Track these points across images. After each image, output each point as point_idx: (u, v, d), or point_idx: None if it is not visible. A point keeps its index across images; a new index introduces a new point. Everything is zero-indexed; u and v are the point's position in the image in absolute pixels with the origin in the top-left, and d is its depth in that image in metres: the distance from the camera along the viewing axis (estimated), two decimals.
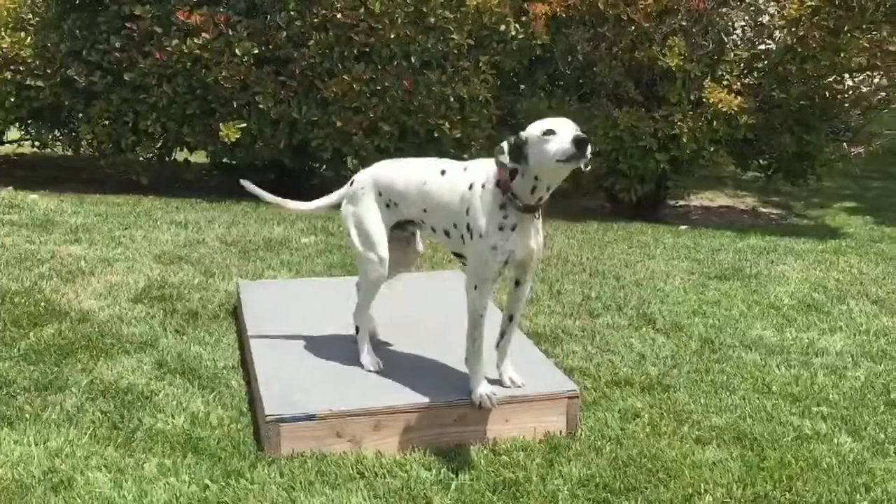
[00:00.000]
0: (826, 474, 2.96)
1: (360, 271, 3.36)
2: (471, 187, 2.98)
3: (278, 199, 3.60)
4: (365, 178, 3.32)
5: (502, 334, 3.21)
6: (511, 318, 3.19)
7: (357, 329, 3.41)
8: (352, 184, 3.36)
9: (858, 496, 2.84)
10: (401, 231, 3.35)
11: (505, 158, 2.79)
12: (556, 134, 2.72)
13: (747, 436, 3.22)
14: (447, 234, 3.11)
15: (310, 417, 2.98)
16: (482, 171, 2.98)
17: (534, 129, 2.78)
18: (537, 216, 2.96)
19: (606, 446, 3.11)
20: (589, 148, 2.68)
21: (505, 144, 2.82)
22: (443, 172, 3.12)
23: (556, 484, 2.84)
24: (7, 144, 8.40)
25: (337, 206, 3.46)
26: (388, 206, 3.25)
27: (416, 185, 3.16)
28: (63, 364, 3.59)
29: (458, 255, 3.19)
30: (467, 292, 3.04)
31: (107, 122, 7.07)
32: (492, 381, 3.17)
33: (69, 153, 7.93)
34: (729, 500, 2.80)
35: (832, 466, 3.02)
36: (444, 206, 3.07)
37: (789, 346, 4.19)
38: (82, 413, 3.19)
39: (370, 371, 3.32)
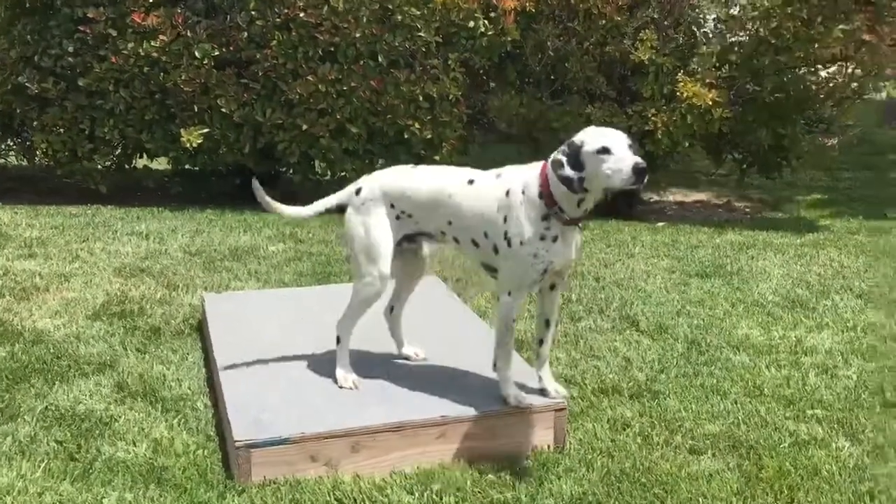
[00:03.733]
0: (828, 483, 2.83)
1: (355, 284, 3.14)
2: (508, 194, 2.85)
3: (276, 205, 3.30)
4: (374, 187, 3.10)
5: (541, 341, 3.11)
6: (547, 323, 3.09)
7: (338, 339, 3.20)
8: (358, 192, 3.11)
9: None
10: (409, 243, 3.16)
11: (568, 171, 2.68)
12: (613, 154, 2.64)
13: (743, 443, 3.08)
14: (476, 244, 2.96)
15: (282, 441, 2.78)
16: (520, 177, 2.86)
17: (588, 144, 2.69)
18: (581, 226, 2.90)
19: (597, 460, 2.95)
20: (647, 176, 2.63)
21: (562, 157, 2.71)
22: (470, 182, 2.97)
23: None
24: None
25: (335, 210, 3.22)
26: (398, 217, 3.06)
27: (439, 196, 2.99)
28: (15, 390, 3.36)
29: (487, 267, 3.04)
30: (500, 298, 2.95)
31: (62, 130, 6.79)
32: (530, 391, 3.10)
33: (24, 163, 7.62)
34: None
35: (833, 474, 2.89)
36: (476, 215, 2.92)
37: (777, 345, 4.07)
38: (36, 444, 2.96)
39: (343, 388, 3.13)
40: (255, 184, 3.30)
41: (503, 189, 2.88)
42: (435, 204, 3.00)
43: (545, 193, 2.78)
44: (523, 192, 2.82)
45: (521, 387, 3.08)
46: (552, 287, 3.03)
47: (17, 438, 2.99)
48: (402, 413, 2.94)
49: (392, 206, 3.06)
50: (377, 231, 3.05)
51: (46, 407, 3.22)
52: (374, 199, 3.07)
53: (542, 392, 3.09)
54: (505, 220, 2.84)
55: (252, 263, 5.25)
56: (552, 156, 2.77)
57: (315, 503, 2.65)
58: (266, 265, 5.21)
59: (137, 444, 2.97)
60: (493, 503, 2.68)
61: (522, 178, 2.86)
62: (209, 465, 2.85)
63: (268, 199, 3.28)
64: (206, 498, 2.66)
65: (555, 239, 2.81)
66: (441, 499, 2.69)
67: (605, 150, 2.64)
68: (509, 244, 2.84)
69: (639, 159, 2.62)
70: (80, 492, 2.69)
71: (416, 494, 2.71)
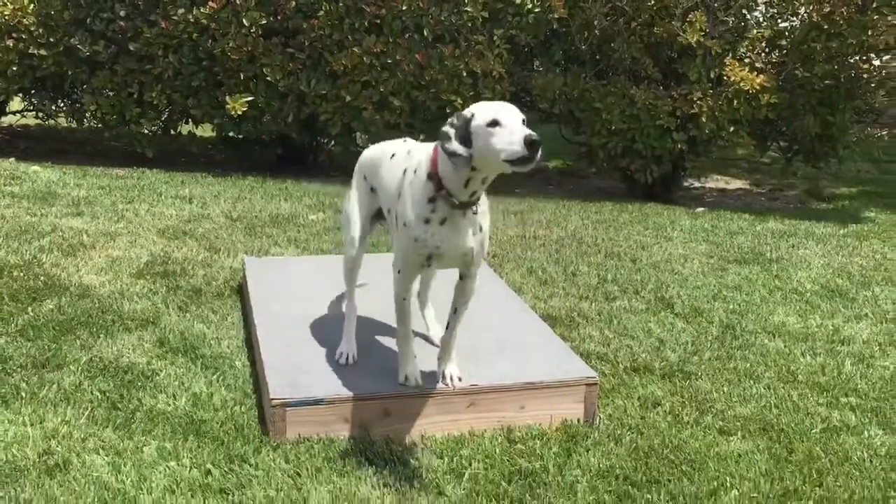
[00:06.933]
0: (857, 469, 2.82)
1: None
2: (404, 172, 2.73)
3: None
4: (360, 158, 3.20)
5: (447, 326, 2.98)
6: (455, 311, 2.93)
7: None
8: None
9: (893, 492, 2.70)
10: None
11: (454, 146, 2.45)
12: (503, 126, 2.39)
13: (773, 427, 3.08)
14: (387, 220, 2.97)
15: (317, 402, 2.85)
16: (418, 156, 2.71)
17: (479, 116, 2.44)
18: (475, 211, 2.65)
19: (626, 436, 2.97)
20: (540, 152, 2.37)
21: (450, 129, 2.47)
22: (392, 156, 2.91)
23: (574, 475, 2.71)
24: (10, 115, 8.24)
25: None
26: (372, 190, 3.08)
27: (379, 169, 2.98)
28: (61, 341, 3.46)
29: None
30: (393, 272, 2.84)
31: (111, 93, 6.92)
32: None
33: (73, 125, 7.78)
34: (756, 494, 2.66)
35: (863, 461, 2.88)
36: (387, 189, 2.88)
37: (814, 333, 4.04)
38: (80, 392, 3.06)
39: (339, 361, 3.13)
40: None
41: (402, 168, 2.75)
42: (379, 175, 2.98)
43: (434, 174, 2.59)
44: (415, 172, 2.66)
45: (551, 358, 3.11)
46: (461, 277, 2.86)
47: (63, 386, 3.08)
48: (434, 380, 2.99)
49: (365, 177, 3.11)
50: (352, 197, 3.16)
51: (91, 358, 3.32)
52: (357, 170, 3.18)
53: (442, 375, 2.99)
54: (398, 197, 2.72)
55: (292, 231, 5.32)
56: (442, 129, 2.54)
57: (347, 461, 2.71)
58: (305, 233, 5.28)
59: (177, 398, 3.05)
60: (520, 471, 2.72)
61: (419, 156, 2.69)
62: (246, 420, 2.93)
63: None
64: (243, 451, 2.74)
65: (442, 222, 2.62)
66: (470, 464, 2.73)
67: (494, 123, 2.40)
68: (397, 224, 2.74)
69: (530, 131, 2.36)
70: (122, 439, 2.78)
71: (446, 459, 2.76)
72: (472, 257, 2.75)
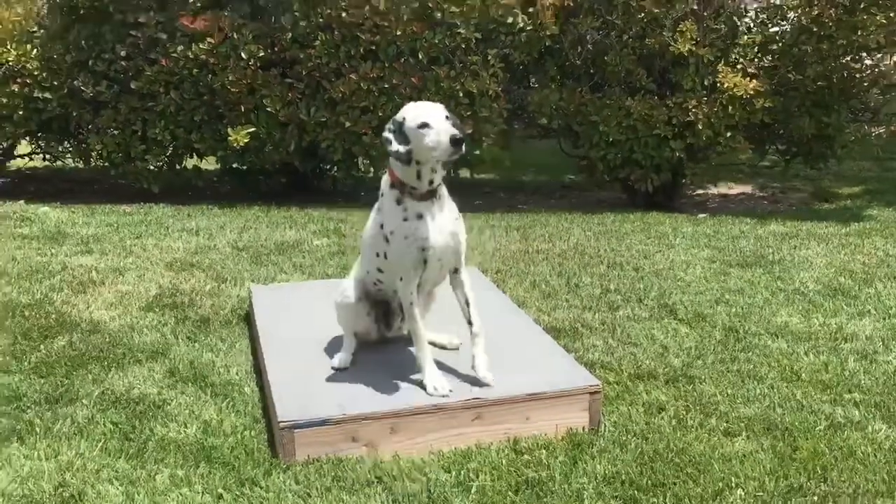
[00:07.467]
0: (862, 464, 2.84)
1: None
2: (379, 197, 3.07)
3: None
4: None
5: (469, 322, 3.16)
6: (467, 303, 3.16)
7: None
8: None
9: None
10: None
11: (395, 146, 2.85)
12: (432, 128, 2.80)
13: (777, 426, 3.11)
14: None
15: (324, 422, 2.90)
16: (382, 184, 3.07)
17: (410, 120, 2.84)
18: (438, 197, 2.99)
19: (631, 442, 3.00)
20: (464, 146, 2.80)
21: (389, 133, 2.87)
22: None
23: (580, 482, 2.74)
24: (18, 159, 8.39)
25: None
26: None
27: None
28: (74, 376, 3.53)
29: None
30: (396, 286, 3.10)
31: (115, 132, 7.04)
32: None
33: (80, 165, 7.91)
34: (761, 493, 2.68)
35: (868, 455, 2.90)
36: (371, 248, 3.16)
37: (817, 332, 4.06)
38: (93, 425, 3.12)
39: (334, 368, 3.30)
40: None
41: (371, 217, 3.11)
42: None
43: (395, 182, 2.97)
44: (381, 195, 3.05)
45: (554, 370, 3.16)
46: (455, 271, 3.13)
47: (76, 420, 3.15)
48: (439, 396, 3.03)
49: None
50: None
51: (103, 391, 3.39)
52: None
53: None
54: (381, 227, 3.03)
55: (297, 257, 5.39)
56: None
57: (356, 480, 2.76)
58: (311, 259, 5.35)
59: (188, 426, 3.11)
60: (527, 481, 2.75)
61: (383, 183, 3.07)
62: (256, 444, 2.98)
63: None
64: (253, 475, 2.79)
65: (419, 217, 2.96)
66: (477, 477, 2.77)
67: (424, 125, 2.81)
68: (387, 240, 3.01)
69: (455, 130, 2.79)
70: (135, 468, 2.83)
71: (453, 473, 2.80)
72: (460, 241, 3.06)
